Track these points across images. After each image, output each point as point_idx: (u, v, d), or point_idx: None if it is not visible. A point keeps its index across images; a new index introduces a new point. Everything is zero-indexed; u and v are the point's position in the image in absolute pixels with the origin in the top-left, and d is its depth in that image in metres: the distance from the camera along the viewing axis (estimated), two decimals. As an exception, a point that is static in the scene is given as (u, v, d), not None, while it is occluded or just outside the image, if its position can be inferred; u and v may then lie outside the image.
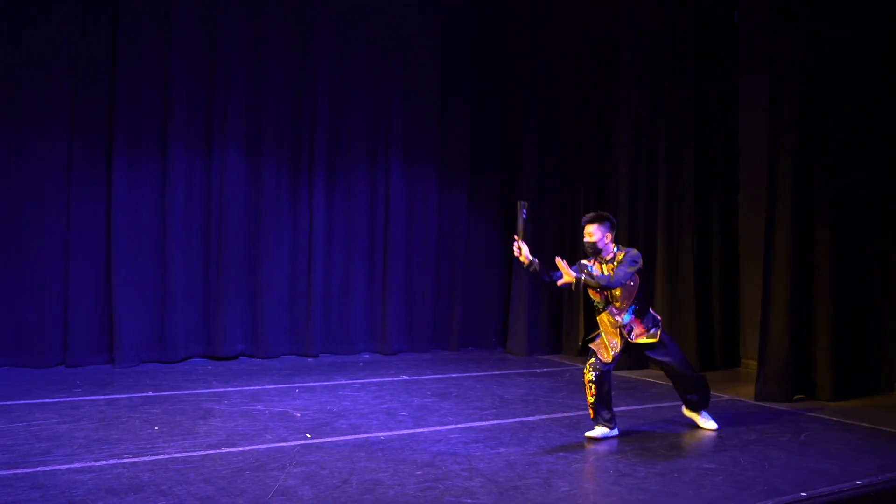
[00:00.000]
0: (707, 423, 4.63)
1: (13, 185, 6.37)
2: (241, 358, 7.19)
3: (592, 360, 4.35)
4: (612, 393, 4.40)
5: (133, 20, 6.71)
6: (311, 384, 5.98)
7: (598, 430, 4.35)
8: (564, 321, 8.24)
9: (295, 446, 4.04)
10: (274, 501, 3.16)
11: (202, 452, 3.88)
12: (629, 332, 4.36)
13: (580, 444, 4.22)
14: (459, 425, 4.64)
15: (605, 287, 4.26)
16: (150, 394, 5.44)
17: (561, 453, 4.01)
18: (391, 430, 4.49)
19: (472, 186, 8.39)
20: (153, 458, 3.77)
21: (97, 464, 3.65)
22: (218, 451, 3.92)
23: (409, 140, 8.03)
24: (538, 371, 6.97)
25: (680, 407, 4.79)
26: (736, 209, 7.46)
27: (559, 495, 3.32)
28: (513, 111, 8.57)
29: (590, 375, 4.31)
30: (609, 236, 4.34)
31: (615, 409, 4.46)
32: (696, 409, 4.65)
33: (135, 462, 3.68)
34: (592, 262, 4.39)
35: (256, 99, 7.30)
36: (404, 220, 8.01)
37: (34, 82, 6.40)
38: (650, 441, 4.32)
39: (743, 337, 7.37)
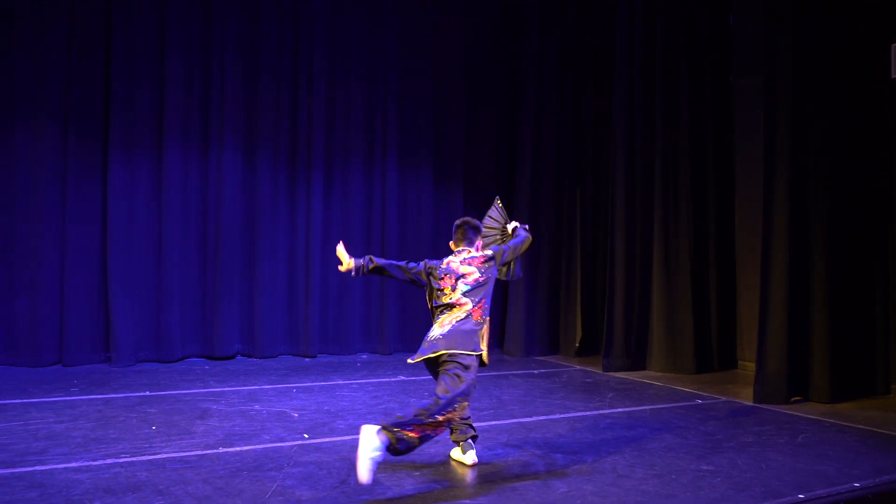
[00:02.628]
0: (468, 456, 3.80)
1: (6, 181, 6.35)
2: (238, 358, 7.18)
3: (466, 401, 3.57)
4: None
5: (127, 16, 6.69)
6: (309, 384, 5.97)
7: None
8: (562, 322, 8.25)
9: (292, 446, 4.04)
10: (272, 502, 3.16)
11: (199, 452, 3.88)
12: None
13: (578, 446, 4.22)
14: (457, 426, 4.63)
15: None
16: (147, 393, 5.42)
17: (558, 455, 4.01)
18: (389, 430, 4.48)
19: (468, 187, 8.40)
20: (151, 457, 3.76)
21: (95, 463, 3.64)
22: (215, 450, 3.91)
23: (405, 141, 8.03)
24: (535, 372, 6.97)
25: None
26: (732, 211, 7.49)
27: (557, 496, 3.32)
28: (508, 112, 8.59)
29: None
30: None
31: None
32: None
33: (132, 462, 3.67)
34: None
35: (253, 98, 7.28)
36: (400, 221, 8.01)
37: (28, 78, 6.37)
38: (648, 443, 4.33)
39: (740, 339, 7.39)
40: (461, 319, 3.75)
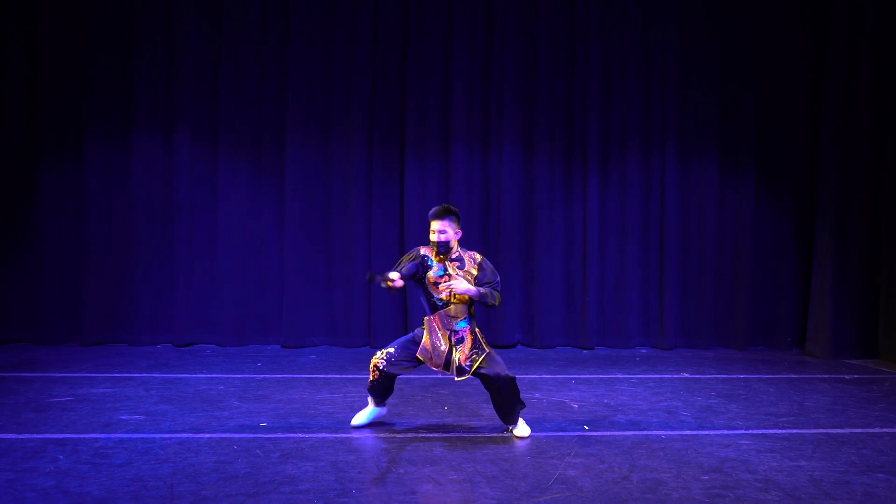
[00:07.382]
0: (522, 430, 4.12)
1: (325, 189, 7.40)
2: (518, 347, 7.47)
3: (392, 350, 4.09)
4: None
5: (419, 36, 7.35)
6: (587, 376, 5.98)
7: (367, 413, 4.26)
8: (882, 321, 7.06)
9: (573, 437, 4.08)
10: (554, 489, 3.22)
11: (487, 434, 4.12)
12: (458, 343, 4.07)
13: (907, 467, 3.58)
14: (750, 431, 4.25)
15: (483, 301, 4.03)
16: (440, 376, 5.92)
17: (881, 475, 3.45)
18: (672, 429, 4.29)
19: (760, 173, 7.62)
20: (444, 434, 4.10)
21: (398, 436, 4.08)
22: (500, 434, 4.12)
23: (686, 127, 7.58)
24: (846, 377, 6.08)
25: None
26: None
27: (880, 523, 2.86)
28: (807, 87, 7.58)
29: (378, 363, 4.07)
30: (457, 233, 4.11)
31: None
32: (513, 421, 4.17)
33: (428, 437, 4.05)
34: (437, 259, 4.10)
35: (529, 94, 7.49)
36: (680, 211, 7.59)
37: (340, 99, 7.35)
38: None
39: None
40: None
